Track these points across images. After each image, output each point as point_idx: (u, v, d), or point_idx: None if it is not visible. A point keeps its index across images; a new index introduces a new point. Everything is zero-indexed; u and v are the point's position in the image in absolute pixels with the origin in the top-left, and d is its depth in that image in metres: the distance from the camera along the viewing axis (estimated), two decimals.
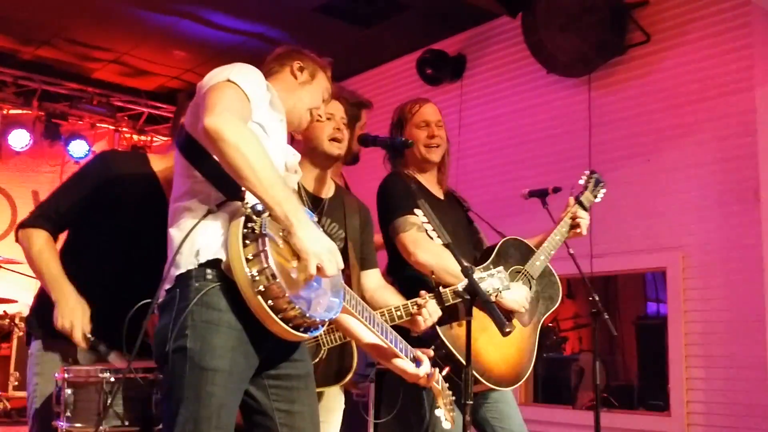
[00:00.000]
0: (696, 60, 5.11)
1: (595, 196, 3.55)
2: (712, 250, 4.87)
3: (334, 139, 2.90)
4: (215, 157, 2.04)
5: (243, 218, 1.98)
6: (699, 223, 4.95)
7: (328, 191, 2.99)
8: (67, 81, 7.66)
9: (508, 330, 2.40)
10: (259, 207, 1.97)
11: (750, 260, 4.68)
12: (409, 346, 2.52)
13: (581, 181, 3.56)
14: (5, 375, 6.53)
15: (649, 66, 5.35)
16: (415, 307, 2.65)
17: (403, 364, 2.48)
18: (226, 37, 6.66)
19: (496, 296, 2.77)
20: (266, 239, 1.93)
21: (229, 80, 2.08)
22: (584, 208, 3.44)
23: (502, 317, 2.42)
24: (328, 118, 2.88)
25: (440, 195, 3.33)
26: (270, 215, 1.98)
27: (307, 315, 1.96)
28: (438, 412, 2.56)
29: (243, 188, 2.01)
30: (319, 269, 1.97)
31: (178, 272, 2.05)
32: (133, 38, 6.83)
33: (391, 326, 2.54)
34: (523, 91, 6.09)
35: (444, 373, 2.65)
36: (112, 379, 2.33)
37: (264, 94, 2.22)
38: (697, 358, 4.87)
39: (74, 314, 2.56)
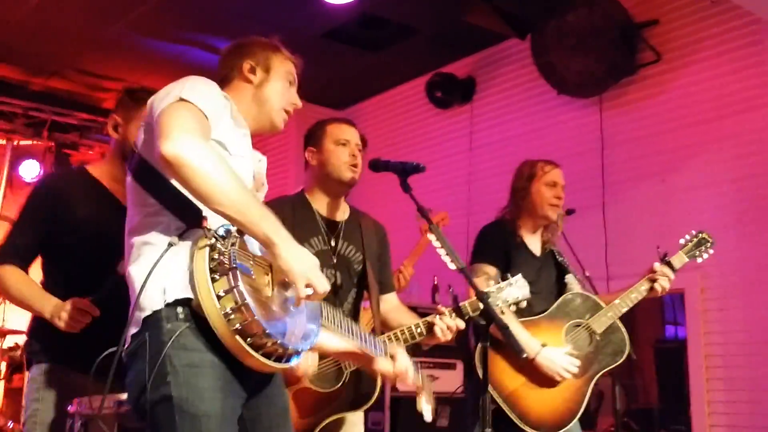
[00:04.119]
0: (707, 78, 5.08)
1: (694, 257, 3.47)
2: (730, 270, 4.80)
3: (351, 165, 2.90)
4: (178, 184, 1.84)
5: (207, 249, 1.80)
6: (716, 243, 4.87)
7: (343, 214, 2.98)
8: (78, 111, 7.67)
9: (525, 355, 2.37)
10: (221, 231, 1.82)
11: None
12: (387, 344, 2.45)
13: (682, 241, 3.50)
14: (18, 406, 6.48)
15: (660, 85, 5.31)
16: (434, 320, 2.66)
17: (384, 364, 2.34)
18: None
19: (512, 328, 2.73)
20: (237, 272, 1.76)
21: (181, 99, 1.88)
22: (672, 269, 3.37)
23: (519, 344, 2.40)
24: (343, 144, 2.89)
25: (537, 252, 3.47)
26: (245, 236, 1.84)
27: (287, 346, 1.83)
28: (424, 408, 2.47)
29: (203, 214, 1.85)
30: (309, 287, 1.82)
31: (144, 315, 1.85)
32: (143, 67, 6.85)
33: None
34: (534, 112, 6.05)
35: None
36: None
37: (223, 107, 2.04)
38: (718, 381, 4.78)
39: (63, 306, 2.48)
